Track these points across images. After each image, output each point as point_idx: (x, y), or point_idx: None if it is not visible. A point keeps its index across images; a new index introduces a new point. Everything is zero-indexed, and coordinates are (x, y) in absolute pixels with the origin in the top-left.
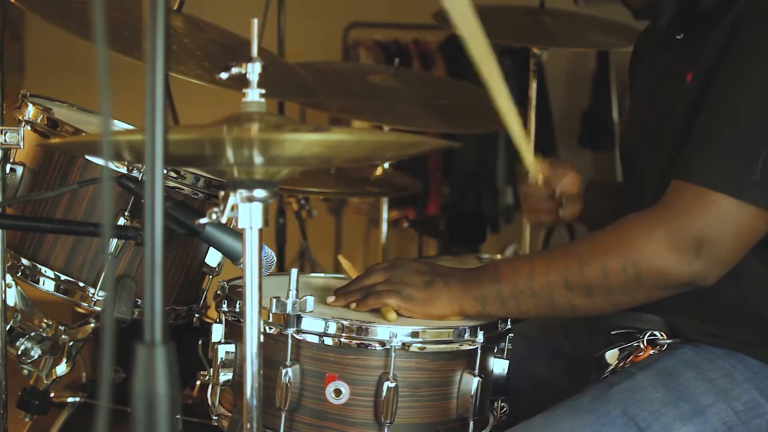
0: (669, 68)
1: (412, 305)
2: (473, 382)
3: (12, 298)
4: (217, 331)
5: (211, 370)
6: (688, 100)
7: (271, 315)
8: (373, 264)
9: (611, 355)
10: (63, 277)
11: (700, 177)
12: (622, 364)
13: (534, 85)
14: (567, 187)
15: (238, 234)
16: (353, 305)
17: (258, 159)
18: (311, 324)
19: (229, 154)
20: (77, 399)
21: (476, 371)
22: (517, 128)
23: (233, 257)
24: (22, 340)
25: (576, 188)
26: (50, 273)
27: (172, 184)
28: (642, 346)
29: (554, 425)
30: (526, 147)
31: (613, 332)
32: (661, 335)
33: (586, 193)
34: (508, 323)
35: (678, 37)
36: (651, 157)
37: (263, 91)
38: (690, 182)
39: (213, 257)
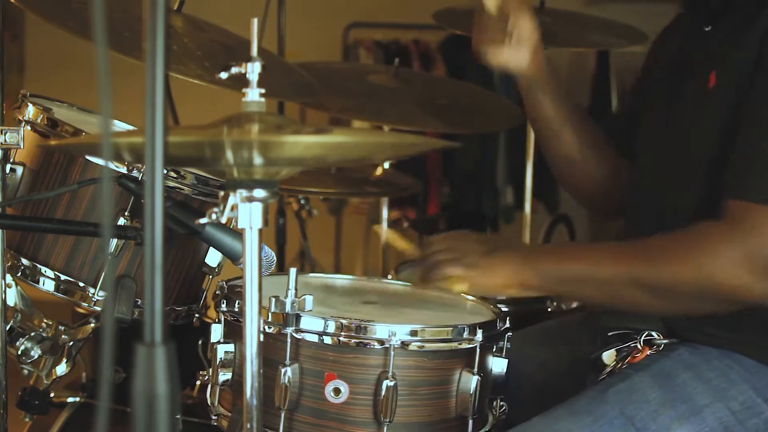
0: (692, 64)
1: (474, 273)
2: (472, 381)
3: (12, 298)
4: (216, 331)
5: (211, 369)
6: (712, 104)
7: (270, 314)
8: (431, 236)
9: (608, 356)
10: (63, 277)
11: (761, 197)
12: (619, 365)
13: None
14: (520, 30)
15: (238, 234)
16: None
17: (257, 160)
18: (310, 323)
19: (229, 155)
20: (77, 399)
21: (475, 370)
22: None
23: (233, 257)
24: (22, 340)
25: (527, 34)
26: (50, 273)
27: (172, 184)
28: (639, 346)
29: (552, 427)
30: None
31: (609, 333)
32: (658, 335)
33: (549, 73)
34: (507, 323)
35: (706, 29)
36: (670, 154)
37: (263, 90)
38: (751, 202)
39: (213, 257)
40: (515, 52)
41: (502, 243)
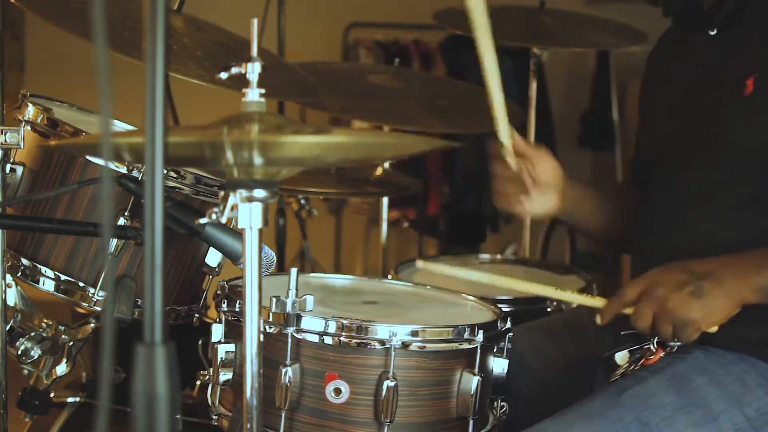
0: (709, 69)
1: (700, 323)
2: (473, 381)
3: (12, 298)
4: (217, 331)
5: (211, 369)
6: (751, 110)
7: (270, 314)
8: (624, 291)
9: (621, 357)
10: (63, 277)
11: None
12: (632, 367)
13: (534, 85)
14: (542, 176)
15: (238, 234)
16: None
17: (257, 160)
18: (311, 323)
19: (229, 155)
20: (77, 399)
21: (476, 370)
22: (500, 99)
23: (233, 257)
24: (22, 340)
25: (551, 178)
26: (50, 273)
27: (172, 184)
28: (652, 348)
29: (567, 430)
30: (502, 117)
31: (622, 332)
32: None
33: (580, 195)
34: (508, 323)
35: (711, 33)
36: (684, 161)
37: (263, 90)
38: None
39: (213, 257)
40: (542, 199)
41: (704, 271)
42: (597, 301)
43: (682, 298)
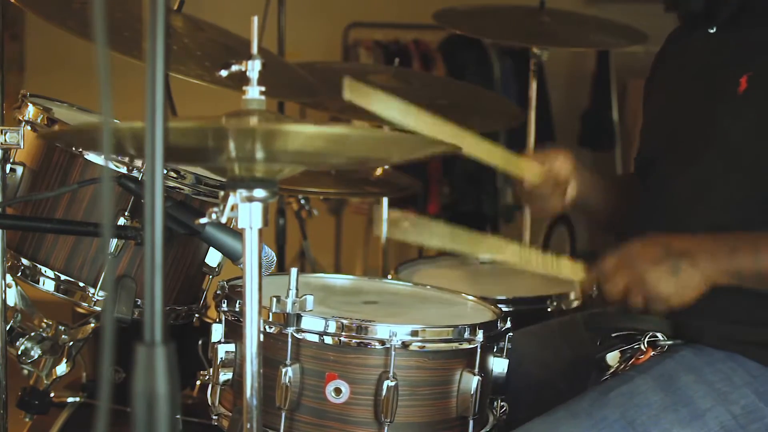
0: (706, 67)
1: (671, 299)
2: (473, 381)
3: (12, 298)
4: (217, 331)
5: (211, 369)
6: (743, 109)
7: (270, 314)
8: (603, 262)
9: (612, 357)
10: (63, 277)
11: None
12: (623, 366)
13: (534, 85)
14: (562, 170)
15: (238, 234)
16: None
17: (259, 153)
18: (311, 323)
19: (231, 145)
20: (77, 399)
21: (476, 370)
22: (494, 153)
23: (233, 257)
24: (22, 340)
25: (569, 165)
26: (50, 273)
27: (172, 184)
28: (643, 347)
29: (553, 430)
30: (510, 161)
31: (613, 334)
32: (662, 337)
33: (593, 180)
34: (508, 323)
35: (711, 31)
36: (681, 159)
37: (263, 88)
38: None
39: (213, 257)
40: (557, 197)
41: (680, 249)
42: (565, 268)
43: (658, 273)
